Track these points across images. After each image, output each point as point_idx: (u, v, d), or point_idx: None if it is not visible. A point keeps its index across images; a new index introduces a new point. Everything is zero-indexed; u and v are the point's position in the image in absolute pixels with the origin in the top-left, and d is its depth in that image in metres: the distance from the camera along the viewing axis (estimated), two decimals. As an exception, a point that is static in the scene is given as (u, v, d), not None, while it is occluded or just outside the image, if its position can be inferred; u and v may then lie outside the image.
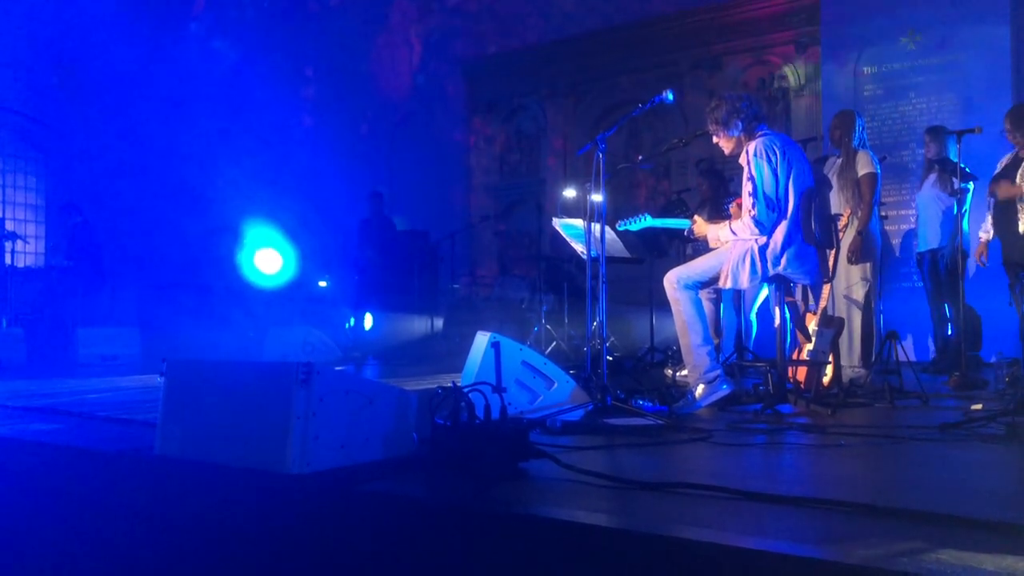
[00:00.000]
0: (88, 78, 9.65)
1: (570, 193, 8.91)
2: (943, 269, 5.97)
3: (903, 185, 7.58)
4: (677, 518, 2.02)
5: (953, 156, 5.65)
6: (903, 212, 7.70)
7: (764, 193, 4.03)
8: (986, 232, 5.84)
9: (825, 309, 4.70)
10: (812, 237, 4.15)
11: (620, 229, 4.79)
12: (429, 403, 2.64)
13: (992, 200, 5.78)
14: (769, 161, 4.06)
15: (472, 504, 2.17)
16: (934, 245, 6.06)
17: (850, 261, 5.20)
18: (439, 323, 9.39)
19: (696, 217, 4.51)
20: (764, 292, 5.66)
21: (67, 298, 8.71)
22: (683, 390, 4.32)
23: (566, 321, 8.18)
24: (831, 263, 4.44)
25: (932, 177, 6.03)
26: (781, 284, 4.23)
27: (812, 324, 4.68)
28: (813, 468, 2.90)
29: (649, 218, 4.63)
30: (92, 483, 2.87)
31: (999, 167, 5.73)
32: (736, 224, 4.13)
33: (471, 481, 2.38)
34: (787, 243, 4.07)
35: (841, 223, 4.84)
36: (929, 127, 6.26)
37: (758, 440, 3.39)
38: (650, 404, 3.97)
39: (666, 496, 2.24)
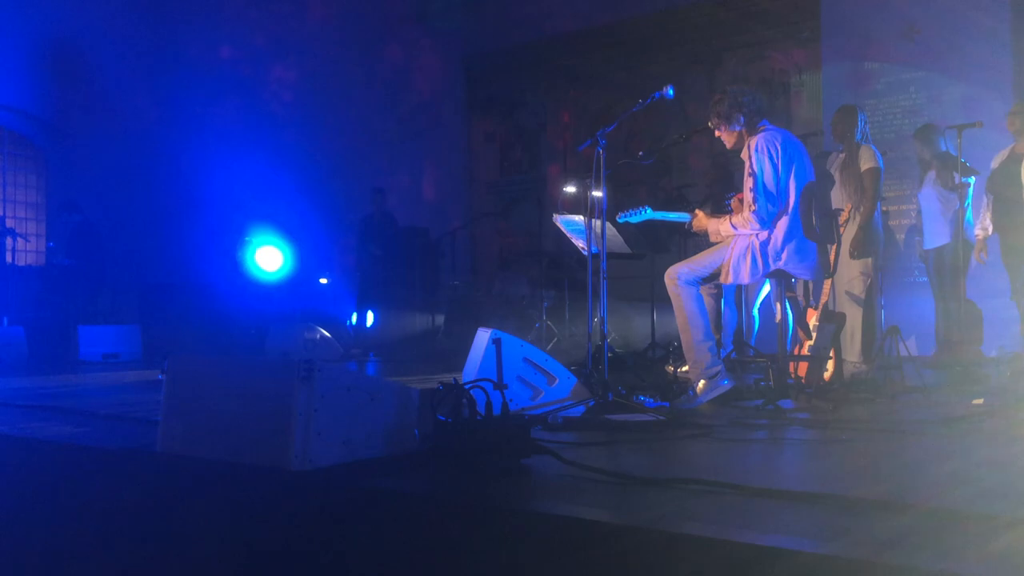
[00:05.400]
0: (91, 76, 9.65)
1: (571, 189, 8.91)
2: (948, 265, 5.96)
3: (904, 181, 7.57)
4: (678, 514, 2.02)
5: (952, 151, 5.64)
6: (904, 207, 7.69)
7: (765, 188, 4.04)
8: (983, 230, 5.84)
9: (826, 304, 4.70)
10: (813, 232, 4.15)
11: (620, 221, 4.79)
12: (431, 400, 2.64)
13: (990, 197, 5.77)
14: (770, 156, 4.07)
15: (474, 500, 2.17)
16: (940, 242, 6.04)
17: (852, 256, 5.20)
18: (440, 320, 9.39)
19: (697, 211, 4.51)
20: (767, 288, 5.66)
21: (68, 296, 8.70)
22: (684, 386, 4.32)
23: (567, 317, 8.18)
24: (832, 258, 4.44)
25: (932, 174, 6.02)
26: (782, 279, 4.23)
27: (813, 320, 4.68)
28: (814, 463, 2.90)
29: (649, 211, 4.63)
30: (94, 480, 2.87)
31: (995, 163, 5.73)
32: (737, 219, 4.13)
33: (473, 477, 2.39)
34: (788, 238, 4.07)
35: (842, 218, 4.84)
36: (916, 130, 6.25)
37: (759, 436, 3.40)
38: (651, 400, 3.98)
39: (667, 492, 2.24)
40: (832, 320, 4.63)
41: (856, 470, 2.72)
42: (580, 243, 5.27)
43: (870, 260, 5.24)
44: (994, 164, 5.73)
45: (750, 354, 5.37)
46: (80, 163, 9.81)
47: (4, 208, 9.84)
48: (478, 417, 2.55)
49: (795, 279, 4.43)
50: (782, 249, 4.07)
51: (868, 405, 4.20)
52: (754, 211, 4.04)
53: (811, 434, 3.35)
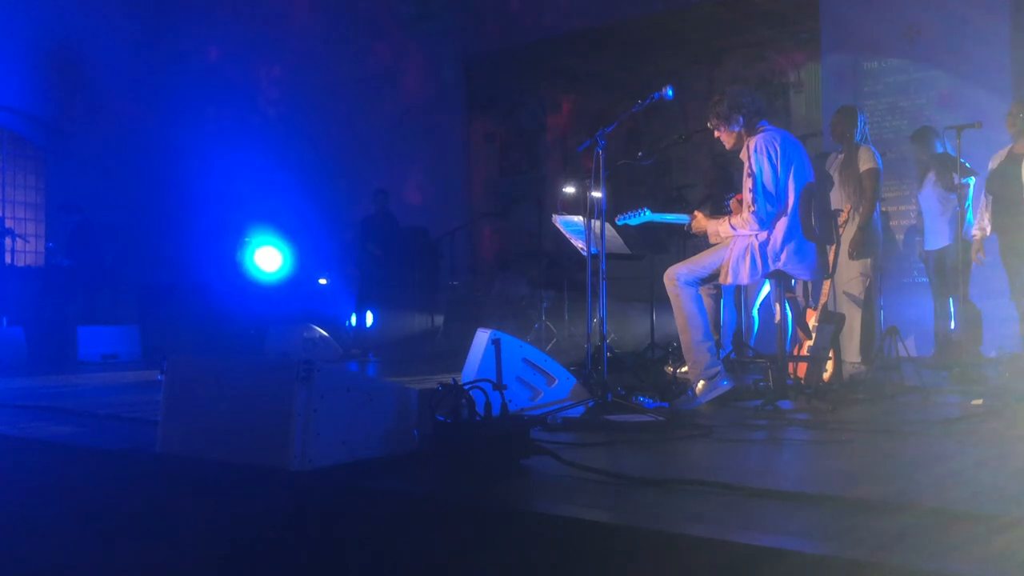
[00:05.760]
0: (90, 77, 9.65)
1: (570, 190, 8.91)
2: (949, 266, 5.96)
3: (904, 181, 7.58)
4: (678, 514, 2.02)
5: (951, 152, 5.65)
6: (904, 208, 7.70)
7: (764, 188, 4.04)
8: (981, 230, 5.84)
9: (825, 305, 4.70)
10: (812, 233, 4.15)
11: (619, 223, 4.79)
12: (430, 400, 2.64)
13: (989, 197, 5.78)
14: (769, 157, 4.07)
15: (473, 501, 2.17)
16: (941, 244, 6.03)
17: (851, 257, 5.20)
18: (439, 320, 9.39)
19: (696, 212, 4.51)
20: (766, 288, 5.67)
21: (67, 297, 8.70)
22: (684, 386, 4.32)
23: (566, 318, 8.18)
24: (831, 259, 4.44)
25: (931, 176, 6.02)
26: (781, 280, 4.23)
27: (812, 320, 4.68)
28: (813, 464, 2.90)
29: (648, 213, 4.63)
30: (94, 481, 2.87)
31: (993, 164, 5.73)
32: (736, 219, 4.13)
33: (472, 478, 2.39)
34: (787, 239, 4.07)
35: (841, 219, 4.84)
36: (913, 133, 6.25)
37: (758, 436, 3.40)
38: (651, 400, 3.98)
39: (667, 492, 2.24)
40: (831, 321, 4.63)
41: (855, 470, 2.72)
42: (579, 244, 5.27)
43: (869, 261, 5.24)
44: (992, 164, 5.74)
45: (749, 355, 5.37)
46: (79, 163, 9.81)
47: (4, 209, 9.84)
48: (477, 418, 2.55)
49: (794, 280, 4.43)
50: (781, 250, 4.07)
51: (867, 406, 4.20)
52: (753, 212, 4.04)
53: (810, 435, 3.35)
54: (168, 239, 9.40)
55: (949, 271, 5.94)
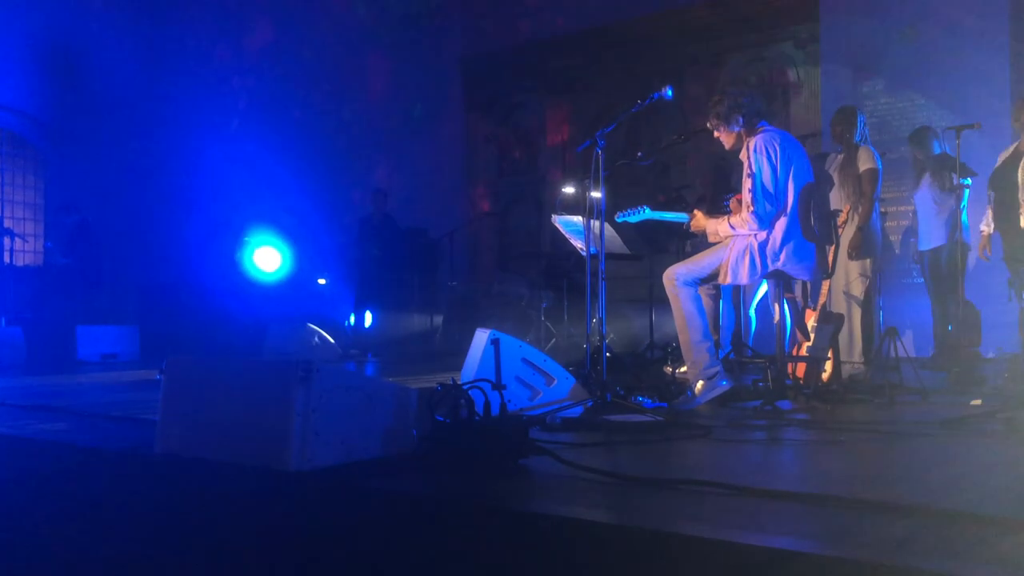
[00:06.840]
0: (89, 77, 9.65)
1: (569, 190, 8.92)
2: (944, 266, 5.95)
3: (902, 181, 7.57)
4: (677, 514, 2.02)
5: (949, 152, 5.64)
6: (903, 208, 7.69)
7: (763, 188, 4.04)
8: (988, 226, 5.83)
9: (824, 305, 4.70)
10: (811, 233, 4.16)
11: (619, 221, 4.79)
12: (429, 400, 2.64)
13: (992, 195, 5.77)
14: (769, 157, 4.07)
15: (472, 501, 2.17)
16: (935, 244, 6.03)
17: (850, 257, 5.20)
18: (439, 320, 9.39)
19: (696, 211, 4.51)
20: (763, 288, 5.66)
21: (66, 296, 8.70)
22: (683, 386, 4.32)
23: (566, 318, 8.18)
24: (830, 259, 4.44)
25: (927, 176, 6.02)
26: (780, 280, 4.23)
27: (811, 320, 4.68)
28: (812, 464, 2.91)
29: (648, 211, 4.63)
30: (92, 481, 2.87)
31: (999, 160, 5.73)
32: (735, 219, 4.13)
33: (471, 478, 2.39)
34: (786, 239, 4.07)
35: (840, 219, 4.84)
36: (911, 133, 6.26)
37: (757, 436, 3.40)
38: (649, 401, 3.98)
39: (666, 492, 2.24)
40: (830, 321, 4.63)
41: (854, 471, 2.72)
42: (579, 244, 5.27)
43: (868, 261, 5.24)
44: (999, 161, 5.72)
45: (748, 355, 5.37)
46: (78, 163, 9.82)
47: (3, 208, 9.84)
48: (476, 418, 2.55)
49: (793, 280, 4.44)
50: (780, 250, 4.07)
51: (866, 406, 4.20)
52: (753, 211, 4.04)
53: (809, 435, 3.35)
54: (168, 239, 9.40)
55: (944, 271, 5.94)
